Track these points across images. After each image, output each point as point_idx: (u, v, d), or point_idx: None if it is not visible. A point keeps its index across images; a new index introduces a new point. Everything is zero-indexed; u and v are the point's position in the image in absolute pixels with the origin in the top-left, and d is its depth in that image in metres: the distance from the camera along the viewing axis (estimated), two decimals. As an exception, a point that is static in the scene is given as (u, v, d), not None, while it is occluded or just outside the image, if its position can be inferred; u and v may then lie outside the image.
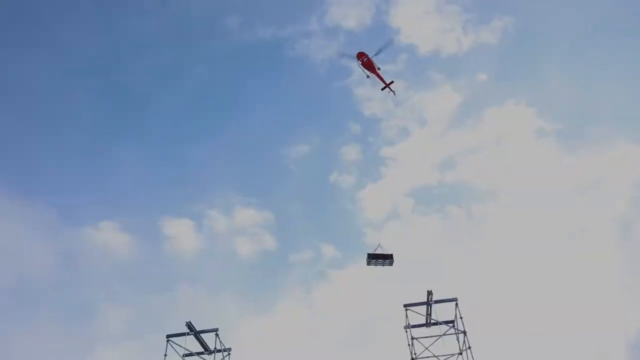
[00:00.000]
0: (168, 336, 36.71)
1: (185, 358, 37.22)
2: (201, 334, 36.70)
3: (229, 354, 36.74)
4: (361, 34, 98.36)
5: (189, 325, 36.33)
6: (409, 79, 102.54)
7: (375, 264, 45.96)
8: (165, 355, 35.91)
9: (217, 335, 36.65)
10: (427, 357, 34.90)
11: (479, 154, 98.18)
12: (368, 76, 66.42)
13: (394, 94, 68.51)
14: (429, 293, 35.88)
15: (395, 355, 35.97)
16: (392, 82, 67.38)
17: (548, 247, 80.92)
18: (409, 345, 35.23)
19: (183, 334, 36.42)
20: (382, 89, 67.42)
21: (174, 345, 36.54)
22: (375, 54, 65.86)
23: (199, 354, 37.16)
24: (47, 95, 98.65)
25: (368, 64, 65.74)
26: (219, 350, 36.60)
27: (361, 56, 66.09)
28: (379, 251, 46.06)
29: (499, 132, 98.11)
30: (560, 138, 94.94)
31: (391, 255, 46.14)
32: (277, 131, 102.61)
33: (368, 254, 45.42)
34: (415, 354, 34.88)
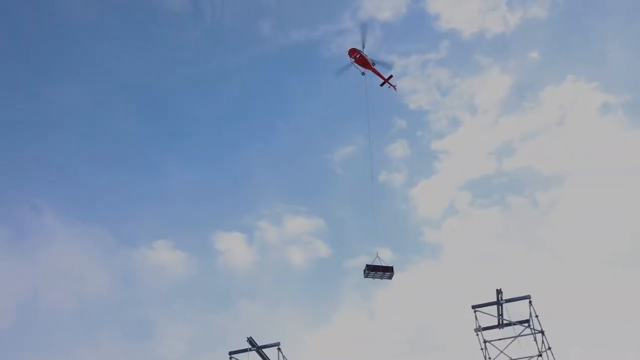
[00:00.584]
0: (230, 353, 36.06)
1: (249, 374, 36.47)
2: (263, 349, 35.84)
3: (292, 368, 35.69)
4: (397, 25, 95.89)
5: (251, 340, 35.55)
6: (454, 66, 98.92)
7: (374, 277, 43.22)
8: (229, 372, 35.42)
9: (279, 349, 35.69)
10: (503, 361, 32.61)
11: (539, 138, 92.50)
12: (363, 73, 62.91)
13: (395, 89, 64.71)
14: (499, 292, 33.58)
15: (467, 361, 33.95)
16: (391, 76, 63.65)
17: (625, 232, 75.24)
18: (481, 349, 33.07)
19: (245, 350, 35.68)
20: (381, 85, 63.82)
21: (237, 362, 35.90)
22: (362, 48, 62.58)
23: (262, 369, 36.32)
24: (93, 119, 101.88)
25: (362, 61, 62.76)
26: (283, 365, 35.63)
27: (353, 53, 63.13)
28: (377, 262, 43.04)
29: (559, 112, 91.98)
30: (628, 111, 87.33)
31: (391, 267, 43.32)
32: (320, 134, 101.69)
33: (367, 265, 42.63)
34: (489, 358, 32.66)
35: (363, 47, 63.28)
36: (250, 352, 35.68)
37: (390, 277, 43.60)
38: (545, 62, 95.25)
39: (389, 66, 65.05)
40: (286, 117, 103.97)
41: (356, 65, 62.85)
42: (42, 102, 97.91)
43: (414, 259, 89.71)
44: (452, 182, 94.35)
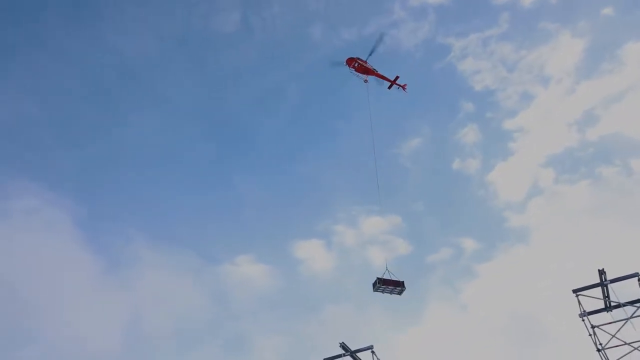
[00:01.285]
0: (325, 360, 36.10)
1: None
2: (357, 353, 35.49)
3: (389, 371, 35.03)
4: (451, 6, 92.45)
5: (344, 346, 35.31)
6: (518, 38, 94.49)
7: (384, 291, 41.55)
8: (327, 379, 35.35)
9: (373, 352, 35.16)
10: (617, 345, 30.06)
11: (624, 100, 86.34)
12: (366, 80, 62.02)
13: (404, 89, 63.51)
14: (601, 272, 31.08)
15: (574, 349, 31.66)
16: (397, 77, 62.74)
17: None
18: (590, 335, 30.71)
19: (339, 356, 35.52)
20: (389, 87, 62.74)
21: (332, 368, 35.78)
22: (369, 55, 62.00)
23: (359, 374, 35.93)
24: (164, 148, 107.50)
25: (361, 69, 61.75)
26: (379, 368, 35.04)
27: (351, 62, 62.37)
28: (387, 276, 41.53)
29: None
30: None
31: (402, 282, 41.67)
32: (384, 130, 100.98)
33: (377, 279, 41.08)
34: (600, 344, 30.26)
35: (370, 55, 61.68)
36: (344, 358, 35.49)
37: (400, 293, 42.00)
38: (621, 17, 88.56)
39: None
40: (347, 118, 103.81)
41: (356, 73, 61.76)
42: (114, 138, 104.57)
43: (500, 247, 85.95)
44: (532, 161, 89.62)
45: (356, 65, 62.18)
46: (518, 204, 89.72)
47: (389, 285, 41.46)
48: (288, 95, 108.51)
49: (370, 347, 35.21)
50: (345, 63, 62.61)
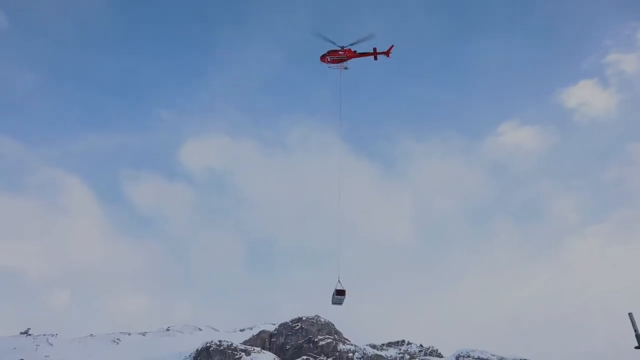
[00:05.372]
0: None
1: None
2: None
3: None
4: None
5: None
6: None
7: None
8: None
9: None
10: None
11: None
12: (346, 67, 62.18)
13: (388, 55, 63.04)
14: None
15: None
16: (374, 48, 62.27)
17: None
18: None
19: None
20: (375, 59, 62.88)
21: None
22: (352, 44, 61.74)
23: None
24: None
25: (337, 59, 61.84)
26: None
27: (324, 59, 62.24)
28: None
29: None
30: None
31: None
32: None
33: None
34: None
35: (352, 43, 61.15)
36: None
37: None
38: None
39: (365, 40, 63.40)
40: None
41: (334, 66, 62.03)
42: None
43: None
44: None
45: (330, 59, 62.16)
46: None
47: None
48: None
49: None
50: (321, 60, 62.39)
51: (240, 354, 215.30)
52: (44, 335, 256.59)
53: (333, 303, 48.56)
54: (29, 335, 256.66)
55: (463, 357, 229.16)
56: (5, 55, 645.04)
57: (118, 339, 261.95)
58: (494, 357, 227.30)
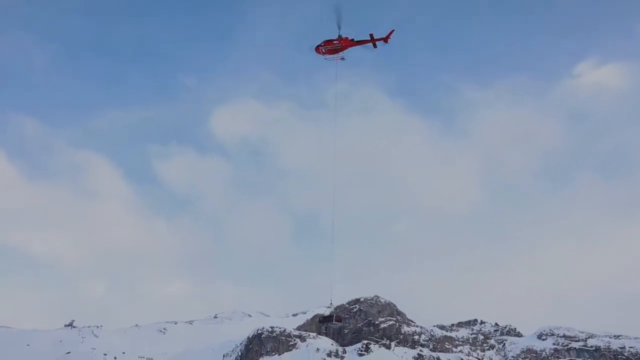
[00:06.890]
0: None
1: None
2: None
3: None
4: None
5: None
6: None
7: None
8: None
9: None
10: None
11: None
12: (342, 58, 61.47)
13: (387, 41, 61.18)
14: None
15: None
16: (371, 35, 60.68)
17: None
18: None
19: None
20: (375, 47, 61.49)
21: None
22: (339, 29, 60.68)
23: None
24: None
25: (332, 50, 60.78)
26: None
27: (319, 51, 60.88)
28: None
29: None
30: None
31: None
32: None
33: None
34: None
35: (340, 28, 59.93)
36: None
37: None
38: None
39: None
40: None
41: (329, 57, 61.42)
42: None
43: None
44: None
45: (324, 50, 61.17)
46: None
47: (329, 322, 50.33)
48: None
49: None
50: (316, 51, 61.53)
51: (295, 340, 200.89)
52: (88, 327, 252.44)
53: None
54: (74, 327, 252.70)
55: (546, 335, 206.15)
56: (19, 29, 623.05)
57: (164, 329, 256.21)
58: (583, 334, 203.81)
